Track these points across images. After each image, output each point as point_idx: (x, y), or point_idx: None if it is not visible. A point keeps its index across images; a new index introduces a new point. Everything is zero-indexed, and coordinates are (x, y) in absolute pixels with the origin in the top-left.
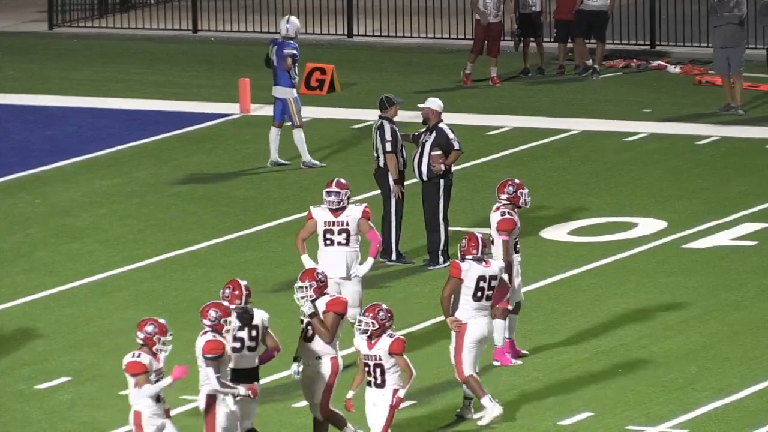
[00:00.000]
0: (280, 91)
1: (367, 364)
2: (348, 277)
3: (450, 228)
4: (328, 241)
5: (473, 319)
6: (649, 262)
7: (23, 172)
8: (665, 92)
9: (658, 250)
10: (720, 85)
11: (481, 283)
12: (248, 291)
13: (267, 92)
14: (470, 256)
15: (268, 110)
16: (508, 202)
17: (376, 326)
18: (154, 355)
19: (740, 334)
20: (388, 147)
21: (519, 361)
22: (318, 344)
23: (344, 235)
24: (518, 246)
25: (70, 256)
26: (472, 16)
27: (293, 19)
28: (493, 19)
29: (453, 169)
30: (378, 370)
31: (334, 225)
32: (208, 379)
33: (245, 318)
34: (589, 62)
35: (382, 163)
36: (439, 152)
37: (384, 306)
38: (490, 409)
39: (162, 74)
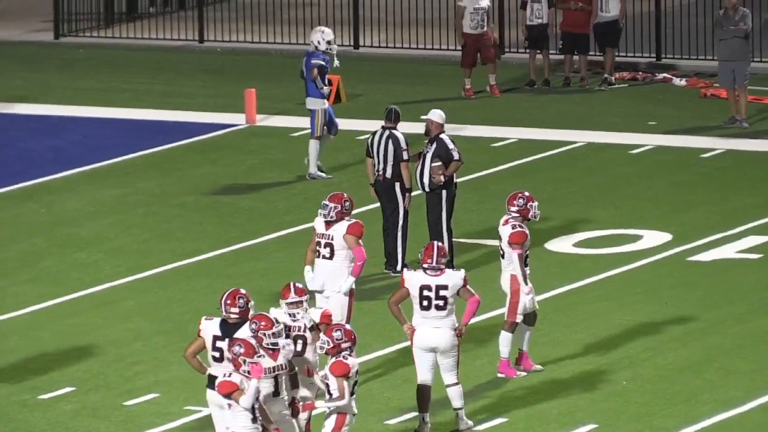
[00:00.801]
0: (309, 102)
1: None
2: (334, 292)
3: (454, 239)
4: (317, 254)
5: (419, 327)
6: (654, 274)
7: (28, 181)
8: (670, 105)
9: (662, 262)
10: (725, 98)
11: (426, 292)
12: (247, 299)
13: (273, 102)
14: (426, 265)
15: (273, 121)
16: (518, 215)
17: (331, 345)
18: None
19: (745, 347)
20: (405, 156)
21: (523, 373)
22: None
23: (328, 249)
24: (528, 258)
25: (75, 266)
26: (455, 29)
27: (323, 30)
28: (480, 30)
29: (457, 180)
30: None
31: (322, 237)
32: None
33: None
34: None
35: (389, 174)
36: (439, 163)
37: (346, 327)
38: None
39: (168, 84)
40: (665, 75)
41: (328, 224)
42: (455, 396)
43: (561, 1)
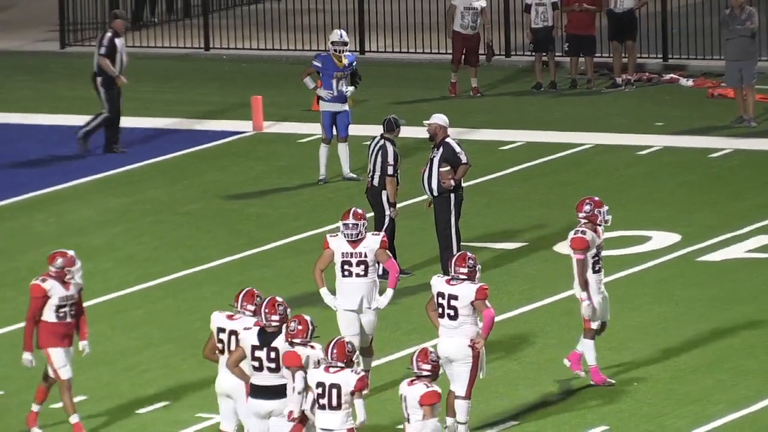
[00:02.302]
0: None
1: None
2: (367, 308)
3: (462, 243)
4: (346, 273)
5: (439, 335)
6: (663, 275)
7: (37, 191)
8: (678, 105)
9: (671, 263)
10: (732, 98)
11: (440, 300)
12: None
13: (279, 109)
14: (454, 274)
15: (280, 127)
16: (587, 221)
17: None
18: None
19: (755, 347)
20: (390, 171)
21: (612, 381)
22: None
23: (362, 267)
24: (597, 265)
25: (84, 275)
26: (446, 28)
27: (332, 32)
28: (471, 31)
29: (465, 184)
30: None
31: (352, 256)
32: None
33: (265, 337)
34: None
35: (376, 182)
36: (447, 168)
37: (304, 317)
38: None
39: (174, 92)
40: (672, 75)
41: (353, 242)
42: (459, 410)
43: (565, 3)
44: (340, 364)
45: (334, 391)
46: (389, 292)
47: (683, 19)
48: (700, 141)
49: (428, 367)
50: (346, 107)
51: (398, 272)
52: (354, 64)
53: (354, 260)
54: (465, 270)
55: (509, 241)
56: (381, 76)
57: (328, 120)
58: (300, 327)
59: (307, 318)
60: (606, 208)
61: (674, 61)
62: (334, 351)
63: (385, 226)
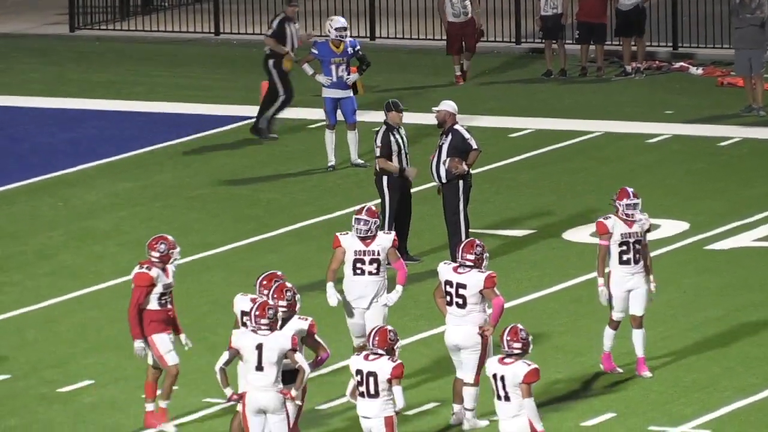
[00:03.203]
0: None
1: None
2: (378, 305)
3: (471, 230)
4: (359, 271)
5: (447, 323)
6: (672, 263)
7: (45, 175)
8: (687, 94)
9: (680, 251)
10: (742, 87)
11: (448, 288)
12: (294, 292)
13: None
14: (461, 261)
15: (289, 113)
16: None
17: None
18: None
19: (762, 335)
20: (377, 152)
21: (619, 370)
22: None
23: (375, 265)
24: (625, 255)
25: (93, 259)
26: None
27: (332, 18)
28: (464, 18)
29: (474, 171)
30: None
31: (365, 254)
32: None
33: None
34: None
35: (377, 167)
36: (455, 157)
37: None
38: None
39: (184, 77)
40: (682, 64)
41: (365, 240)
42: (467, 396)
43: None
44: (380, 351)
45: (371, 379)
46: (399, 288)
47: (693, 7)
48: (710, 129)
49: (519, 345)
50: (349, 93)
51: (406, 270)
52: (357, 49)
53: (367, 258)
54: (472, 257)
55: (518, 229)
56: (391, 62)
57: (329, 106)
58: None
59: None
60: (628, 201)
61: (684, 50)
62: (376, 339)
63: (387, 211)
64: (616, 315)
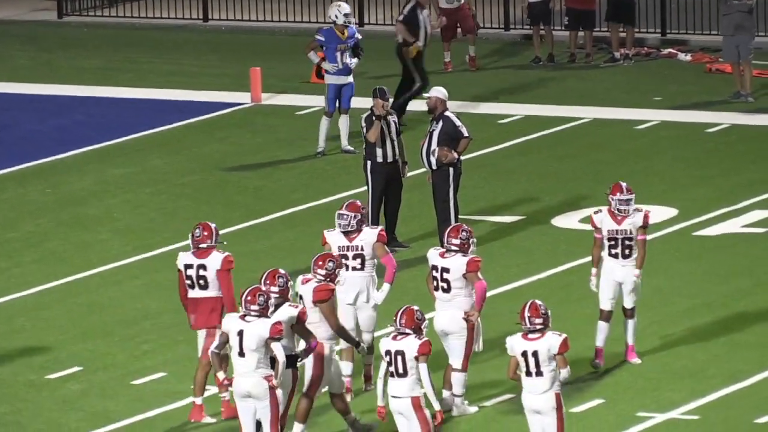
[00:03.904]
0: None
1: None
2: (365, 302)
3: (460, 216)
4: (343, 267)
5: (436, 308)
6: (660, 249)
7: (34, 161)
8: (676, 80)
9: (669, 237)
10: (730, 73)
11: (434, 273)
12: (287, 279)
13: (278, 81)
14: (447, 245)
15: (279, 99)
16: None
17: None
18: None
19: (750, 321)
20: (363, 131)
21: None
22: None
23: (359, 260)
24: (614, 249)
25: (82, 246)
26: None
27: (339, 4)
28: (457, 3)
29: (463, 157)
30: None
31: (348, 249)
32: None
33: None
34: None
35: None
36: (444, 147)
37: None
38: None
39: (173, 63)
40: (670, 50)
41: (349, 235)
42: (455, 382)
43: None
44: (407, 330)
45: (399, 358)
46: (386, 287)
47: None
48: (698, 116)
49: (540, 320)
50: (350, 79)
51: (395, 267)
52: (356, 35)
53: (350, 253)
54: (457, 241)
55: (507, 215)
56: (380, 49)
57: (333, 93)
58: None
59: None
60: (621, 197)
61: (672, 36)
62: (403, 318)
63: (369, 197)
64: (604, 303)
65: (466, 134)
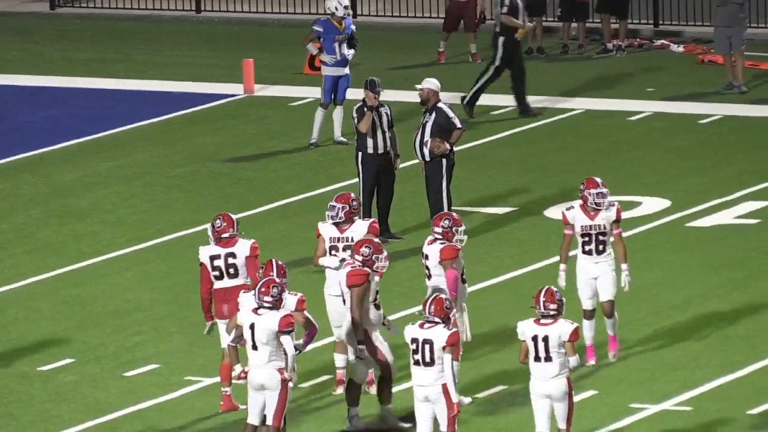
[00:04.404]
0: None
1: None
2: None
3: (453, 207)
4: (332, 257)
5: None
6: (653, 240)
7: (26, 153)
8: (668, 71)
9: (661, 228)
10: (722, 64)
11: (422, 261)
12: (282, 271)
13: (270, 72)
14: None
15: (271, 90)
16: (582, 200)
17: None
18: None
19: (743, 312)
20: (354, 122)
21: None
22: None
23: (349, 252)
24: (587, 246)
25: (74, 237)
26: None
27: None
28: None
29: (456, 148)
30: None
31: (338, 241)
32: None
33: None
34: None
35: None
36: (436, 138)
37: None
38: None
39: (165, 55)
40: (663, 41)
41: (340, 226)
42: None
43: None
44: (436, 319)
45: (427, 347)
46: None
47: None
48: (690, 107)
49: (555, 306)
50: (347, 71)
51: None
52: (351, 26)
53: (341, 245)
54: (439, 230)
55: (499, 206)
56: (373, 41)
57: (329, 84)
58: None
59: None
60: (597, 191)
61: (665, 27)
62: (432, 307)
63: (360, 187)
64: (585, 303)
65: (458, 125)
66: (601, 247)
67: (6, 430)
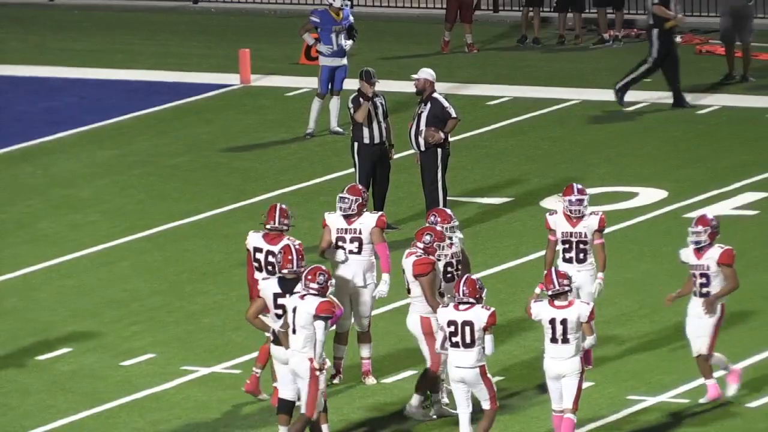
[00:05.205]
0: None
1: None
2: (362, 287)
3: (449, 197)
4: (340, 250)
5: None
6: (650, 231)
7: (24, 143)
8: None
9: (658, 219)
10: (720, 55)
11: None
12: (300, 255)
13: (267, 63)
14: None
15: (268, 81)
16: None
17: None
18: None
19: (742, 304)
20: (351, 112)
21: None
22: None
23: (356, 244)
24: (567, 254)
25: (72, 227)
26: None
27: None
28: None
29: (453, 138)
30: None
31: (346, 233)
32: None
33: (286, 284)
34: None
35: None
36: (431, 128)
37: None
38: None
39: (162, 45)
40: None
41: (349, 218)
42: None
43: None
44: (471, 300)
45: (467, 329)
46: (385, 277)
47: None
48: (688, 97)
49: (567, 282)
50: (344, 61)
51: (389, 256)
52: (350, 17)
53: (348, 236)
54: (421, 245)
55: (495, 196)
56: (370, 31)
57: (326, 75)
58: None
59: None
60: (571, 198)
61: None
62: (466, 288)
63: (357, 181)
64: None
65: (453, 115)
66: (581, 256)
67: (3, 420)
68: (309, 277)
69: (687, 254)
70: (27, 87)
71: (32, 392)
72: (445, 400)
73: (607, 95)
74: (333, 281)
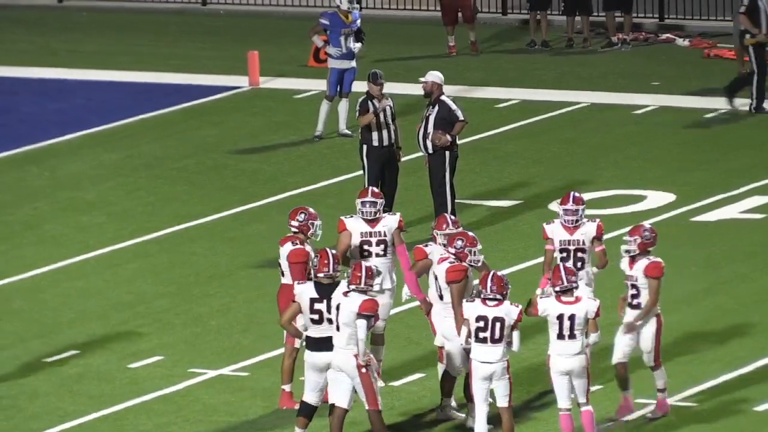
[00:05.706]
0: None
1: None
2: (388, 289)
3: (457, 200)
4: (366, 253)
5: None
6: (658, 234)
7: (32, 145)
8: (674, 65)
9: (666, 222)
10: (728, 58)
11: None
12: (336, 261)
13: (275, 65)
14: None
15: (276, 83)
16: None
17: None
18: None
19: (748, 307)
20: (357, 115)
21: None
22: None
23: (382, 246)
24: (565, 261)
25: (79, 229)
26: None
27: None
28: None
29: (461, 141)
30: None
31: (371, 236)
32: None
33: (323, 289)
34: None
35: (360, 127)
36: (439, 130)
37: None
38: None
39: (171, 47)
40: (668, 35)
41: (371, 222)
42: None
43: None
44: (499, 296)
45: (498, 325)
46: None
47: None
48: (696, 101)
49: (575, 278)
50: (353, 64)
51: (408, 257)
52: (359, 20)
53: (374, 239)
54: (453, 251)
55: (504, 199)
56: (378, 33)
57: (335, 77)
58: (359, 273)
59: (366, 265)
60: (566, 207)
61: (670, 21)
62: (493, 285)
63: (366, 185)
64: None
65: (461, 117)
66: (579, 264)
67: (11, 422)
68: (369, 275)
69: (624, 263)
70: (34, 89)
71: (40, 394)
72: (453, 403)
73: (616, 98)
74: (378, 280)
